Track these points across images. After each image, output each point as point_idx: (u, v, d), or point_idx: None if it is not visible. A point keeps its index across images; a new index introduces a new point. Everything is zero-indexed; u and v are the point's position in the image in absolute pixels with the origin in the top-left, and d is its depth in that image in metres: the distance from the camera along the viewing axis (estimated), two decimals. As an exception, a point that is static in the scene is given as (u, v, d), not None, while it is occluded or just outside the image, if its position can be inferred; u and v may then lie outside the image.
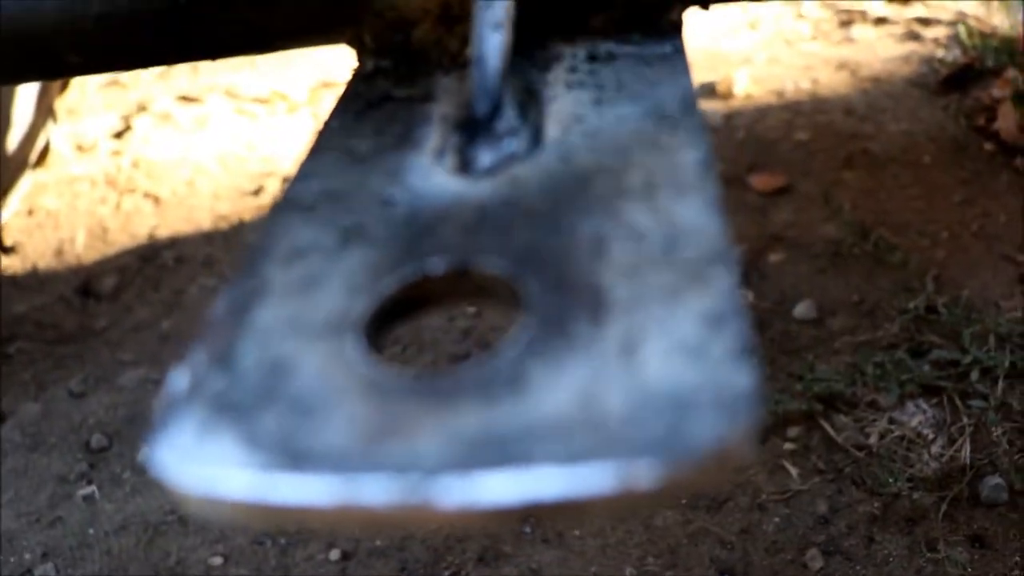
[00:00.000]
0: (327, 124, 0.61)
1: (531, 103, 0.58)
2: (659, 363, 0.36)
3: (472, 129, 0.54)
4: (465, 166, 0.52)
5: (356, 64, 0.70)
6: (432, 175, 0.52)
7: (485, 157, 0.52)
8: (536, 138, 0.54)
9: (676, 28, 0.67)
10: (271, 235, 0.49)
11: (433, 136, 0.57)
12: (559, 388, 0.36)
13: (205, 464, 0.35)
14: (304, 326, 0.42)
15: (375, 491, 0.33)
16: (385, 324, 0.43)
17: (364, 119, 0.61)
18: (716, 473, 0.32)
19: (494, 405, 0.35)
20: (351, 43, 0.70)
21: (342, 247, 0.47)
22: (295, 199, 0.52)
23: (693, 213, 0.45)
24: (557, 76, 0.62)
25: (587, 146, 0.53)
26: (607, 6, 0.67)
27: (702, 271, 0.41)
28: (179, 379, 0.40)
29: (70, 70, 0.76)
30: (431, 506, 0.32)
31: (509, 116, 0.55)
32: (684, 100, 0.57)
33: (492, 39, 0.57)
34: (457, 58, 0.67)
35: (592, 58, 0.64)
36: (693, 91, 0.59)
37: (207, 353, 0.41)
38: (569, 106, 0.58)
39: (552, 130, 0.55)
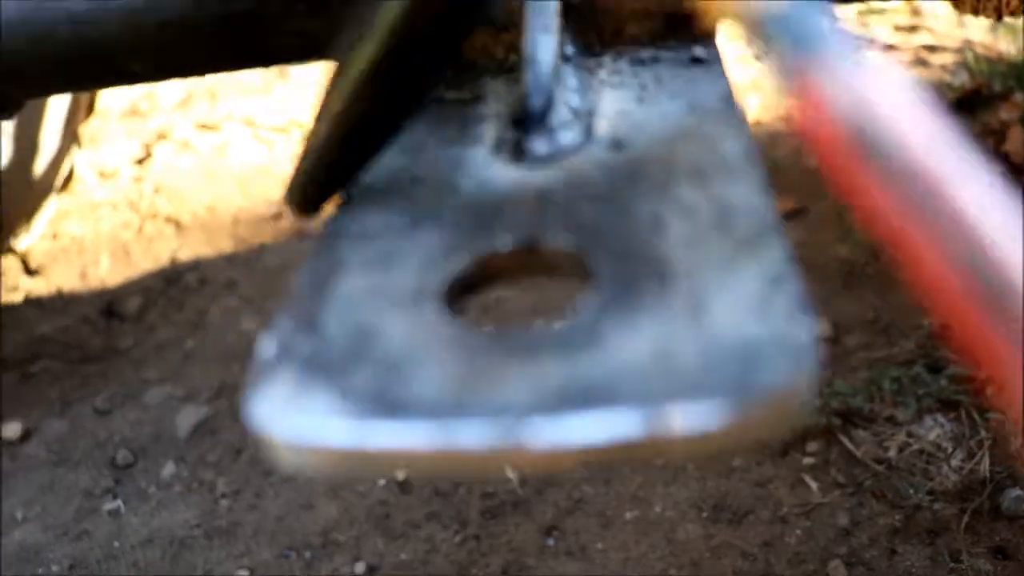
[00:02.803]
0: (383, 124, 0.64)
1: (580, 101, 0.61)
2: (725, 319, 0.39)
3: (527, 123, 0.57)
4: (522, 156, 0.55)
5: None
6: (492, 164, 0.55)
7: (541, 147, 0.55)
8: (587, 131, 0.57)
9: (711, 35, 0.70)
10: (342, 220, 0.52)
11: (488, 131, 0.60)
12: (634, 342, 0.38)
13: (302, 417, 0.38)
14: (384, 296, 0.44)
15: (471, 435, 0.35)
16: (460, 296, 0.45)
17: (418, 118, 0.64)
18: (782, 416, 0.35)
19: (574, 357, 0.38)
20: (400, 51, 0.74)
21: (412, 228, 0.50)
22: (361, 188, 0.55)
23: (742, 193, 0.48)
24: (601, 78, 0.65)
25: (636, 138, 0.56)
26: (645, 16, 0.70)
27: (756, 241, 0.44)
28: (267, 345, 0.43)
29: (131, 78, 0.79)
30: (524, 447, 0.34)
31: (562, 111, 0.58)
32: (724, 97, 0.60)
33: (543, 41, 0.60)
34: (503, 63, 0.70)
35: (633, 62, 0.67)
36: (732, 89, 0.62)
37: (292, 321, 0.44)
38: (615, 104, 0.61)
39: (601, 124, 0.59)
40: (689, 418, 0.34)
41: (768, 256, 0.42)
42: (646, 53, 0.68)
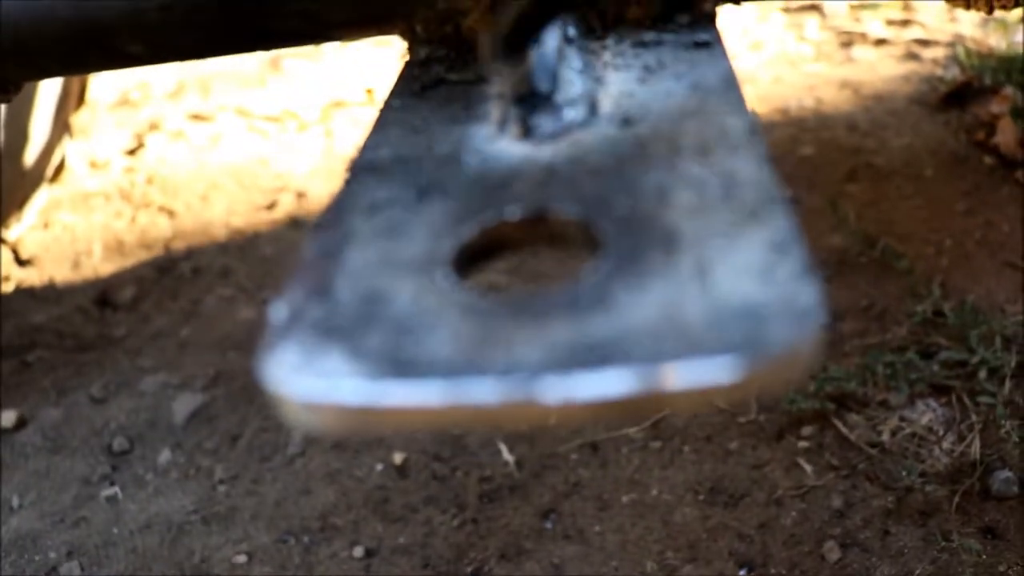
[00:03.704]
0: (387, 103, 0.65)
1: (584, 81, 0.61)
2: (731, 283, 0.40)
3: (532, 102, 0.58)
4: (528, 133, 0.56)
5: (407, 53, 0.74)
6: (497, 141, 0.56)
7: (547, 125, 0.56)
8: (592, 110, 0.58)
9: (711, 19, 0.71)
10: (349, 194, 0.53)
11: (493, 110, 0.61)
12: (643, 304, 0.39)
13: (317, 376, 0.39)
14: (394, 264, 0.45)
15: (483, 390, 0.36)
16: (469, 264, 0.46)
17: (423, 98, 0.65)
18: (788, 372, 0.36)
19: (584, 319, 0.39)
20: (403, 34, 0.74)
21: (420, 200, 0.50)
22: (367, 164, 0.56)
23: (746, 166, 0.49)
24: (605, 60, 0.66)
25: (639, 115, 0.57)
26: (644, -1, 0.71)
27: (760, 211, 0.45)
28: (278, 311, 0.43)
29: (131, 60, 0.79)
30: (536, 401, 0.35)
31: (566, 90, 0.59)
32: (725, 78, 0.61)
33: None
34: (506, 45, 0.71)
35: (635, 44, 0.68)
36: (732, 71, 0.63)
37: (303, 288, 0.45)
38: (619, 84, 0.62)
39: (605, 103, 0.59)
40: (699, 373, 0.35)
41: (772, 224, 0.43)
42: (648, 36, 0.69)
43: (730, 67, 0.63)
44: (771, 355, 0.35)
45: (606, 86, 0.62)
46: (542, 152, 0.54)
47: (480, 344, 0.38)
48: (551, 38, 0.60)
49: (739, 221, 0.44)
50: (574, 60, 0.63)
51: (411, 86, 0.67)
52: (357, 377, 0.38)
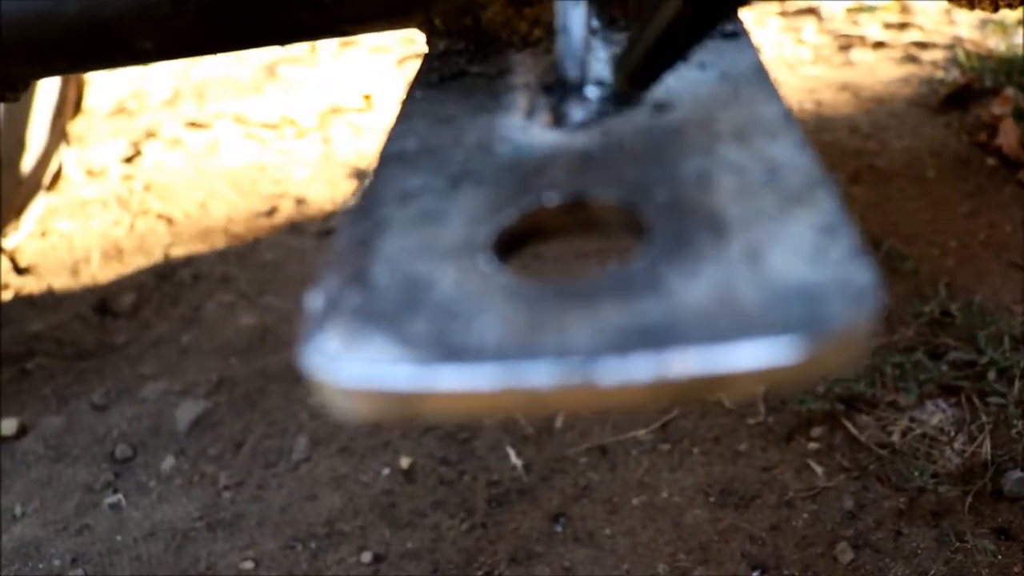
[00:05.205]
0: (410, 95, 0.64)
1: (613, 70, 0.61)
2: (784, 265, 0.39)
3: (561, 91, 0.57)
4: (560, 121, 0.55)
5: (426, 46, 0.73)
6: (528, 130, 0.55)
7: (578, 113, 0.55)
8: (623, 98, 0.57)
9: (735, 8, 0.71)
10: (379, 184, 0.52)
11: (520, 99, 0.60)
12: (695, 287, 0.38)
13: (362, 363, 0.38)
14: (432, 250, 0.44)
15: (538, 374, 0.35)
16: (508, 250, 0.45)
17: (446, 90, 0.64)
18: (849, 352, 0.35)
19: (636, 302, 0.38)
20: (420, 26, 0.74)
21: (453, 188, 0.50)
22: (395, 155, 0.55)
23: (786, 151, 0.48)
24: None
25: (672, 103, 0.56)
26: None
27: (806, 194, 0.44)
28: (315, 300, 0.42)
29: (141, 57, 0.78)
30: (593, 384, 0.34)
31: (595, 78, 0.58)
32: (754, 66, 0.61)
33: (573, 11, 0.60)
34: (528, 38, 0.70)
35: None
36: (760, 61, 0.62)
37: (339, 277, 0.44)
38: None
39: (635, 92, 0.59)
40: (759, 354, 0.34)
41: (820, 208, 0.43)
42: None
43: (758, 56, 0.63)
44: (831, 335, 0.34)
45: None
46: (575, 139, 0.53)
47: (530, 328, 0.37)
48: (577, 25, 0.59)
49: (785, 204, 0.43)
50: (600, 50, 0.63)
51: (433, 77, 0.66)
52: (406, 362, 0.37)
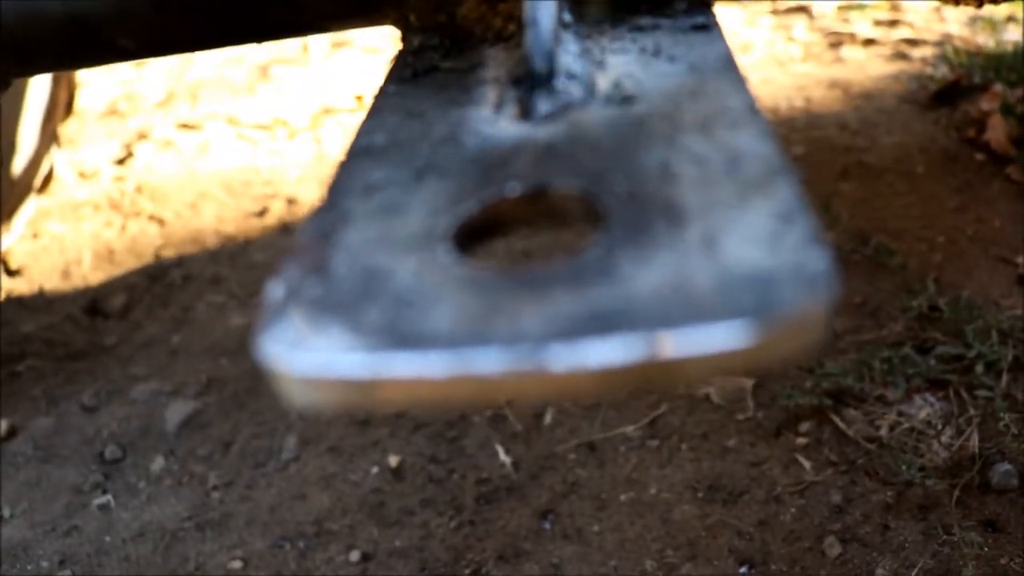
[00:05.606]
0: (382, 90, 0.64)
1: (581, 64, 0.61)
2: (739, 252, 0.39)
3: (529, 84, 0.57)
4: (526, 113, 0.55)
5: (401, 42, 0.73)
6: (494, 123, 0.55)
7: (544, 105, 0.55)
8: (590, 90, 0.57)
9: (706, 3, 0.71)
10: (345, 177, 0.52)
11: (489, 93, 0.60)
12: (649, 274, 0.38)
13: (316, 351, 0.38)
14: (392, 241, 0.44)
15: (488, 361, 0.35)
16: (468, 241, 0.45)
17: (418, 84, 0.64)
18: (802, 338, 0.35)
19: (589, 289, 0.38)
20: (396, 23, 0.74)
21: (417, 180, 0.50)
22: (363, 148, 0.55)
23: (749, 141, 0.48)
24: (601, 44, 0.66)
25: (638, 95, 0.56)
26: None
27: (765, 183, 0.44)
28: (275, 289, 0.43)
29: (122, 55, 0.78)
30: (543, 371, 0.34)
31: (563, 71, 0.58)
32: (723, 59, 0.61)
33: (544, 4, 0.60)
34: (501, 33, 0.70)
35: (632, 29, 0.68)
36: (730, 53, 0.62)
37: (300, 268, 0.44)
38: (616, 67, 0.62)
39: (603, 84, 0.59)
40: (710, 338, 0.34)
41: (778, 196, 0.43)
42: (645, 20, 0.69)
43: (728, 49, 0.63)
44: (782, 319, 0.34)
45: (604, 68, 0.61)
46: (541, 131, 0.53)
47: (484, 316, 0.37)
48: (546, 19, 0.59)
49: (744, 193, 0.43)
50: (570, 44, 0.63)
51: (405, 72, 0.67)
52: (357, 350, 0.37)
